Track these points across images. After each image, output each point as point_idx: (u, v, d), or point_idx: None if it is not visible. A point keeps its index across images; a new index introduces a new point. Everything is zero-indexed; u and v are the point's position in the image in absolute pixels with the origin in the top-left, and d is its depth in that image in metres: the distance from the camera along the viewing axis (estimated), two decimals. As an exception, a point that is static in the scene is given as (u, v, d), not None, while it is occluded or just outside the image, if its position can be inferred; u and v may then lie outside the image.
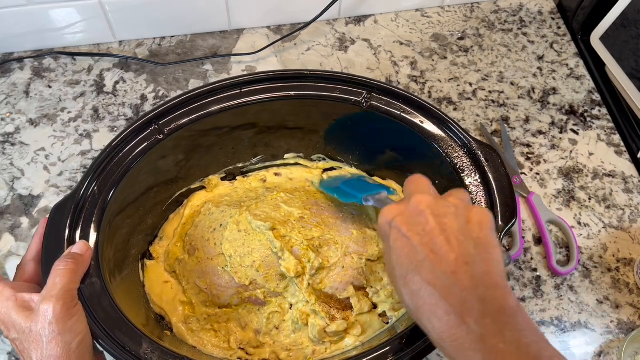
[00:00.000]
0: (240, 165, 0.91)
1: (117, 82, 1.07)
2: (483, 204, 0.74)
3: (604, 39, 1.06)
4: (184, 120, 0.80)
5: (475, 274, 0.53)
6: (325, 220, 0.81)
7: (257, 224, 0.78)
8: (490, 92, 1.08)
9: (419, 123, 0.80)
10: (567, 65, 1.13)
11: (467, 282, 0.52)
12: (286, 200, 0.83)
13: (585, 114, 1.06)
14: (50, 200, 0.94)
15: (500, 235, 0.71)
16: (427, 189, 0.62)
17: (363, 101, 0.82)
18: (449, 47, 1.14)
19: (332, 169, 0.93)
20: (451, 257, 0.54)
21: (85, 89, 1.06)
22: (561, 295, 0.87)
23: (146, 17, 1.09)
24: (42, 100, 1.05)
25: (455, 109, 1.05)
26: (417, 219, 0.57)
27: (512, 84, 1.10)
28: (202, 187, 0.90)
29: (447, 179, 0.79)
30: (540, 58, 1.13)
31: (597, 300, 0.87)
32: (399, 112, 0.81)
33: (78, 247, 0.68)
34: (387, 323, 0.78)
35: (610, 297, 0.87)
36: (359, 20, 1.18)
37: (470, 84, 1.09)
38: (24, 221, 0.92)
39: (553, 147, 1.02)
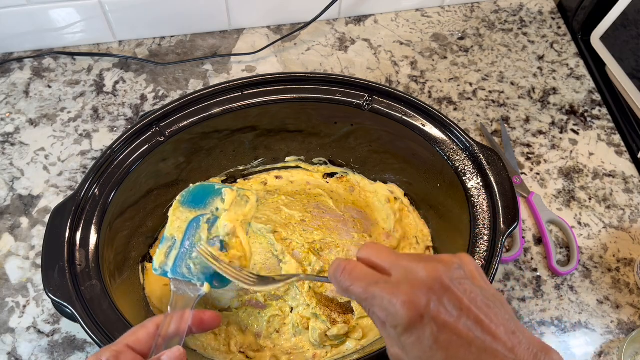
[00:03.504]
0: (241, 168, 0.91)
1: (116, 82, 1.07)
2: (485, 207, 0.74)
3: (604, 38, 1.06)
4: (185, 123, 0.80)
5: (525, 341, 0.50)
6: (326, 224, 0.81)
7: (258, 227, 0.78)
8: (490, 92, 1.08)
9: (421, 126, 0.80)
10: (567, 65, 1.12)
11: (526, 353, 0.49)
12: (287, 203, 0.83)
13: (586, 114, 1.06)
14: (50, 200, 0.94)
15: (503, 238, 0.71)
16: (400, 255, 0.55)
17: (364, 104, 0.82)
18: (449, 47, 1.14)
19: (333, 174, 0.93)
20: (500, 331, 0.49)
21: (85, 88, 1.06)
22: (561, 296, 0.87)
23: (146, 17, 1.09)
24: (41, 100, 1.04)
25: (455, 109, 1.05)
26: (449, 299, 0.50)
27: (512, 83, 1.09)
28: (203, 190, 0.90)
29: (448, 183, 0.79)
30: (541, 58, 1.13)
31: (597, 300, 0.87)
32: (400, 115, 0.81)
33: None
34: (389, 326, 0.78)
35: (611, 297, 0.87)
36: (359, 20, 1.18)
37: (471, 84, 1.09)
38: (24, 221, 0.92)
39: (553, 147, 1.02)
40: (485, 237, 0.72)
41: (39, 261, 0.88)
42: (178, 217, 0.69)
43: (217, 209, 0.69)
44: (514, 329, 0.50)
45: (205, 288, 0.65)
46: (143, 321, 0.63)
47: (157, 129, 0.79)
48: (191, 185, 0.70)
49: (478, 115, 1.05)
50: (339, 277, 0.54)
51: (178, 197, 0.69)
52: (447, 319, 0.49)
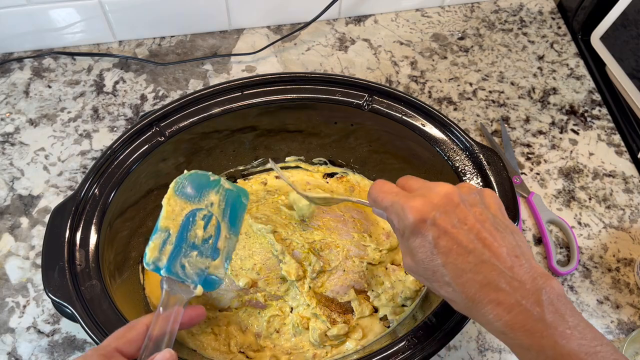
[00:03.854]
0: (241, 167, 0.91)
1: (116, 82, 1.07)
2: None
3: (604, 38, 1.06)
4: (185, 123, 0.80)
5: (527, 265, 0.54)
6: (326, 224, 0.81)
7: (258, 227, 0.78)
8: (490, 92, 1.08)
9: (421, 126, 0.80)
10: (567, 65, 1.12)
11: (525, 275, 0.53)
12: (287, 203, 0.83)
13: (586, 114, 1.06)
14: (50, 200, 0.94)
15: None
16: (429, 182, 0.61)
17: (364, 104, 0.82)
18: (449, 47, 1.14)
19: (333, 174, 0.93)
20: (503, 252, 0.54)
21: (85, 88, 1.06)
22: (561, 296, 0.87)
23: (146, 17, 1.09)
24: (41, 100, 1.04)
25: (455, 109, 1.05)
26: (455, 213, 0.55)
27: (512, 83, 1.09)
28: (203, 190, 0.90)
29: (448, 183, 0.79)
30: (541, 58, 1.13)
31: (597, 300, 0.87)
32: (400, 115, 0.81)
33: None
34: (388, 327, 0.78)
35: (611, 297, 0.87)
36: (359, 20, 1.18)
37: (471, 84, 1.09)
38: (24, 221, 0.92)
39: (553, 147, 1.02)
40: (485, 237, 0.72)
41: (39, 261, 0.88)
42: (173, 207, 0.67)
43: (212, 204, 0.68)
44: (519, 254, 0.54)
45: (198, 291, 0.65)
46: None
47: (157, 129, 0.79)
48: (185, 171, 0.69)
49: (478, 115, 1.05)
50: (371, 191, 0.62)
51: (172, 185, 0.67)
52: (448, 226, 0.55)
